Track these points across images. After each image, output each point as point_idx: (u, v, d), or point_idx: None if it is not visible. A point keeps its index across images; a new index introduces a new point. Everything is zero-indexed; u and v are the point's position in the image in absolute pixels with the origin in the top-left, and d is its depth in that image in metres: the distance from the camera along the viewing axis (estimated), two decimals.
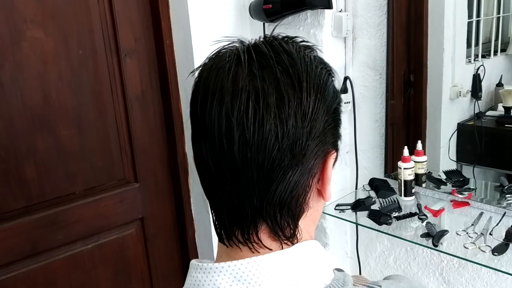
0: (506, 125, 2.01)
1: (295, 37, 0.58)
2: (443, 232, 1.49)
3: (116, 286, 1.75)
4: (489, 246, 1.40)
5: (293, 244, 0.55)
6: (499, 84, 2.15)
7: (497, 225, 1.49)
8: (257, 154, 0.51)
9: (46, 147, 1.54)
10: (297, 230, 0.55)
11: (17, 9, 1.44)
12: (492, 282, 1.61)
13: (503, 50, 2.26)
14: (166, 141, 1.82)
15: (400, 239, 1.61)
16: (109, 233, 1.72)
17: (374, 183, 1.75)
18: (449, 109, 2.01)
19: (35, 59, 1.49)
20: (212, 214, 0.57)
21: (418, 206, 1.64)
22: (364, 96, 1.81)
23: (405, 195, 1.67)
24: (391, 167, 1.83)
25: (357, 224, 1.81)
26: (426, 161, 1.73)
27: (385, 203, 1.64)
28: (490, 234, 1.46)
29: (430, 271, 1.78)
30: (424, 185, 1.74)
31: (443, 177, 1.80)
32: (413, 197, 1.68)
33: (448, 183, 1.76)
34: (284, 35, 0.58)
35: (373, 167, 1.86)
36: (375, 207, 1.66)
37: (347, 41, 1.78)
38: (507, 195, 1.61)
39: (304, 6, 1.63)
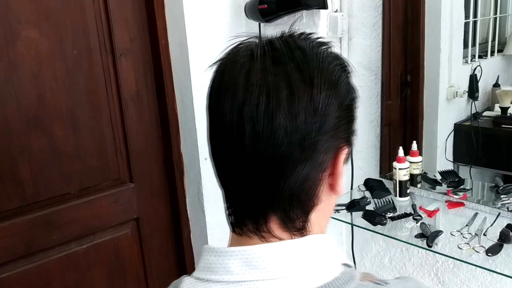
0: (502, 126, 2.01)
1: (312, 33, 0.59)
2: (438, 233, 1.49)
3: (111, 287, 1.75)
4: (483, 246, 1.40)
5: (302, 235, 0.57)
6: (496, 85, 2.15)
7: (491, 225, 1.49)
8: (267, 148, 0.52)
9: (40, 147, 1.53)
10: (308, 223, 0.57)
11: (12, 9, 1.44)
12: (486, 283, 1.61)
13: (500, 51, 2.26)
14: (161, 141, 1.82)
15: (395, 239, 1.60)
16: (104, 233, 1.72)
17: (369, 184, 1.75)
18: (445, 109, 2.01)
19: (30, 59, 1.49)
20: (225, 203, 0.60)
21: (413, 206, 1.64)
22: (359, 96, 1.80)
23: (400, 196, 1.67)
24: (386, 167, 1.83)
25: (352, 225, 1.81)
26: (421, 161, 1.73)
27: (380, 204, 1.64)
28: (485, 234, 1.46)
29: (425, 272, 1.77)
30: (419, 185, 1.74)
31: (439, 177, 1.80)
32: (408, 197, 1.68)
33: (443, 184, 1.76)
34: (301, 31, 0.59)
35: (368, 168, 1.86)
36: (370, 207, 1.65)
37: (343, 42, 1.78)
38: (502, 196, 1.61)
39: (299, 6, 1.63)
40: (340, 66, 0.57)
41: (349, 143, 0.59)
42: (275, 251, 0.55)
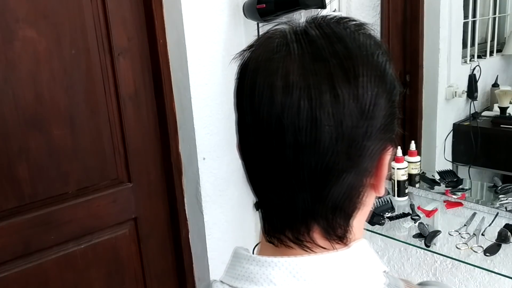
0: (501, 126, 2.01)
1: (347, 18, 0.52)
2: (436, 233, 1.49)
3: (109, 287, 1.75)
4: (481, 246, 1.40)
5: (343, 242, 0.53)
6: (495, 85, 2.15)
7: (489, 225, 1.49)
8: (310, 158, 0.47)
9: (38, 146, 1.53)
10: (349, 229, 0.53)
11: (9, 8, 1.44)
12: (485, 283, 1.61)
13: (499, 51, 2.26)
14: (159, 141, 1.82)
15: (393, 239, 1.60)
16: (102, 233, 1.71)
17: None
18: (444, 109, 2.01)
19: (28, 58, 1.48)
20: (260, 212, 0.55)
21: (411, 206, 1.64)
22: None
23: (398, 196, 1.67)
24: None
25: None
26: (419, 161, 1.73)
27: (378, 203, 1.64)
28: (483, 234, 1.46)
29: (424, 272, 1.77)
30: (417, 185, 1.74)
31: (437, 177, 1.80)
32: (407, 197, 1.68)
33: (441, 184, 1.76)
34: (334, 15, 0.52)
35: None
36: None
37: None
38: (501, 196, 1.61)
39: (297, 5, 1.63)
40: (382, 55, 0.50)
41: (392, 141, 0.53)
42: (321, 263, 0.51)
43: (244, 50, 0.53)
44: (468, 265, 1.46)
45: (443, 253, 1.47)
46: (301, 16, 1.71)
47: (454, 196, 1.65)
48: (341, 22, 0.51)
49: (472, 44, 2.12)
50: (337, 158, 0.48)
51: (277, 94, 0.47)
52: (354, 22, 0.52)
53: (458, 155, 2.00)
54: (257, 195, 0.54)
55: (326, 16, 0.52)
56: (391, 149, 0.53)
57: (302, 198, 0.50)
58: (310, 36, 0.49)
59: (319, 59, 0.48)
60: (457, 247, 1.43)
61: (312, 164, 0.48)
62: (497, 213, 1.52)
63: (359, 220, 0.54)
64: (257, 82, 0.49)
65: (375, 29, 1.73)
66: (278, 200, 0.51)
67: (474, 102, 1.99)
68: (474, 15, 2.12)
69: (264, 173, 0.51)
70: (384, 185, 0.54)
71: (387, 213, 1.60)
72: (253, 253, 0.54)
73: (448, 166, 1.92)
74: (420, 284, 0.62)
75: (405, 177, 1.67)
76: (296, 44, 0.49)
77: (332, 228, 0.52)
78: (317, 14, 0.53)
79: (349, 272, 0.51)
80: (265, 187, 0.52)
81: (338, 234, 0.52)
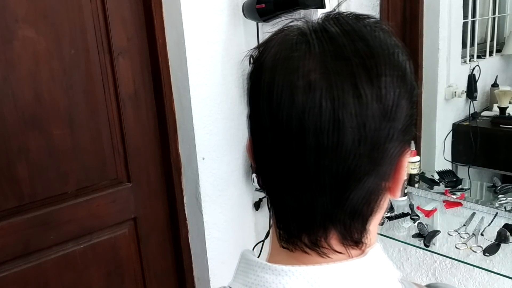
0: (501, 126, 2.01)
1: (364, 15, 0.50)
2: (435, 233, 1.49)
3: (108, 287, 1.75)
4: (480, 246, 1.40)
5: (358, 247, 0.51)
6: (495, 85, 2.15)
7: (489, 225, 1.49)
8: (332, 162, 0.45)
9: (38, 146, 1.53)
10: (365, 234, 0.51)
11: (9, 8, 1.43)
12: (484, 283, 1.61)
13: (498, 51, 2.26)
14: (159, 141, 1.82)
15: (393, 239, 1.60)
16: (102, 233, 1.71)
17: None
18: (444, 109, 2.01)
19: (27, 58, 1.48)
20: (274, 216, 0.53)
21: (411, 206, 1.64)
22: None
23: None
24: None
25: None
26: (419, 161, 1.73)
27: None
28: (482, 234, 1.46)
29: (423, 272, 1.77)
30: (417, 185, 1.74)
31: (436, 177, 1.80)
32: (406, 197, 1.68)
33: (441, 184, 1.76)
34: (349, 12, 0.50)
35: None
36: None
37: None
38: (500, 196, 1.61)
39: (297, 5, 1.63)
40: (402, 54, 0.49)
41: (410, 144, 0.52)
42: (338, 271, 0.49)
43: (256, 48, 0.51)
44: (468, 265, 1.46)
45: (443, 253, 1.48)
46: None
47: (453, 196, 1.65)
48: (360, 19, 0.49)
49: (472, 44, 2.13)
50: (359, 161, 0.46)
51: (298, 94, 0.45)
52: (372, 19, 0.50)
53: (458, 155, 2.00)
54: (272, 198, 0.52)
55: (342, 12, 0.50)
56: (409, 151, 0.51)
57: (321, 202, 0.48)
58: (329, 33, 0.47)
59: (340, 57, 0.45)
60: (456, 247, 1.43)
61: (334, 167, 0.46)
62: (496, 213, 1.53)
63: (374, 224, 0.53)
64: (275, 82, 0.47)
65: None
66: (296, 204, 0.49)
67: (474, 102, 1.99)
68: (473, 15, 2.12)
69: (281, 176, 0.49)
70: (401, 188, 0.52)
71: (386, 213, 1.60)
72: (258, 256, 0.53)
73: (448, 166, 1.92)
74: (428, 286, 0.61)
75: (404, 177, 1.67)
76: (316, 42, 0.47)
77: (349, 233, 0.50)
78: (332, 11, 0.51)
79: (367, 281, 0.50)
80: (282, 190, 0.50)
81: (355, 239, 0.51)
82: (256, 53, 0.51)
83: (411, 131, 0.50)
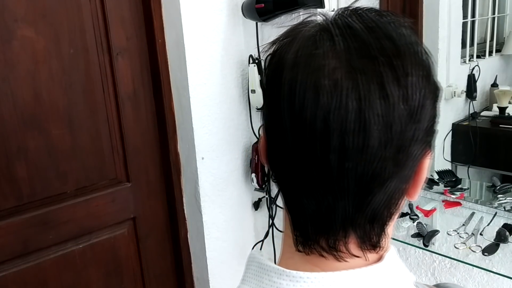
0: (500, 126, 2.01)
1: (386, 11, 0.48)
2: (434, 232, 1.49)
3: (107, 286, 1.75)
4: (479, 246, 1.40)
5: (375, 251, 0.50)
6: (494, 85, 2.15)
7: (488, 225, 1.49)
8: (357, 164, 0.44)
9: (37, 146, 1.53)
10: (382, 238, 0.50)
11: (8, 8, 1.43)
12: (483, 282, 1.61)
13: (498, 51, 2.26)
14: (158, 140, 1.82)
15: (392, 239, 1.60)
16: (101, 233, 1.71)
17: None
18: (443, 109, 2.01)
19: (26, 58, 1.48)
20: (289, 219, 0.51)
21: (410, 206, 1.64)
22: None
23: None
24: None
25: None
26: None
27: None
28: (481, 234, 1.46)
29: (422, 271, 1.77)
30: None
31: (436, 177, 1.80)
32: None
33: (440, 183, 1.76)
34: (369, 7, 0.48)
35: None
36: None
37: None
38: (499, 196, 1.61)
39: (296, 5, 1.63)
40: (425, 53, 0.47)
41: (431, 146, 0.49)
42: (357, 278, 0.48)
43: (272, 43, 0.49)
44: (467, 265, 1.46)
45: (442, 253, 1.47)
46: (300, 16, 1.71)
47: (452, 196, 1.65)
48: (383, 15, 0.47)
49: (471, 44, 2.13)
50: (384, 164, 0.44)
51: (323, 94, 0.43)
52: (395, 16, 0.48)
53: (457, 155, 2.00)
54: (289, 201, 0.50)
55: (362, 8, 0.48)
56: (430, 153, 0.49)
57: (342, 206, 0.46)
58: (354, 29, 0.45)
59: (366, 55, 0.44)
60: (455, 247, 1.43)
61: (358, 170, 0.44)
62: (496, 213, 1.53)
63: (391, 227, 0.52)
64: (298, 80, 0.44)
65: None
66: (315, 207, 0.47)
67: (473, 102, 1.99)
68: (473, 15, 2.12)
69: (301, 178, 0.47)
70: (419, 191, 0.51)
71: None
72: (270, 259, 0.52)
73: (447, 165, 1.92)
74: (437, 285, 0.61)
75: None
76: (341, 38, 0.45)
77: (368, 237, 0.49)
78: (349, 6, 0.49)
79: (385, 287, 0.49)
80: (301, 193, 0.48)
81: (373, 243, 0.50)
82: (273, 50, 0.49)
83: (433, 133, 0.48)
